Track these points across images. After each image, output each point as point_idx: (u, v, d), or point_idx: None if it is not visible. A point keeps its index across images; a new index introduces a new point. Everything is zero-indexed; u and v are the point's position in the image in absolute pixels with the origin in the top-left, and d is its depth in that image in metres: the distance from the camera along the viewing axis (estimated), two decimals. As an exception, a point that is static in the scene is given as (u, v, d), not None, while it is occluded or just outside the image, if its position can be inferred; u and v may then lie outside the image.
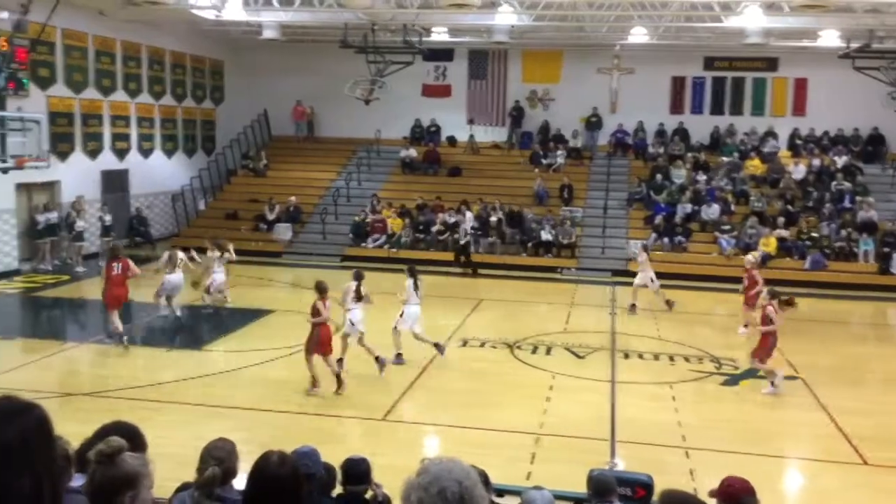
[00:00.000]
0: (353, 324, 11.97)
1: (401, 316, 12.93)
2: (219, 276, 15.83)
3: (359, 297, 12.03)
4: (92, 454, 3.04)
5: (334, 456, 5.06)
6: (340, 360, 11.73)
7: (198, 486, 3.84)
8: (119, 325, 13.32)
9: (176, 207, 25.55)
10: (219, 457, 3.93)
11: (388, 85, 23.85)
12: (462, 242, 22.06)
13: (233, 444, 4.07)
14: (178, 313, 15.32)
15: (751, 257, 16.34)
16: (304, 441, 4.83)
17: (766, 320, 11.93)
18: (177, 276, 14.88)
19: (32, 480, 1.95)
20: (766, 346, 11.98)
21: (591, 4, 19.97)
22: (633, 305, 17.24)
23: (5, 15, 17.49)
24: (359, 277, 12.27)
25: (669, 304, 17.29)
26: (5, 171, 16.07)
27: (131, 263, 13.66)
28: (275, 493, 3.41)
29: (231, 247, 16.24)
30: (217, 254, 15.88)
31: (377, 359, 11.98)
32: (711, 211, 23.25)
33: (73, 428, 3.82)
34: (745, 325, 15.06)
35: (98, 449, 3.00)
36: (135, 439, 3.75)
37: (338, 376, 11.25)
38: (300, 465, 3.90)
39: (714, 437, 9.98)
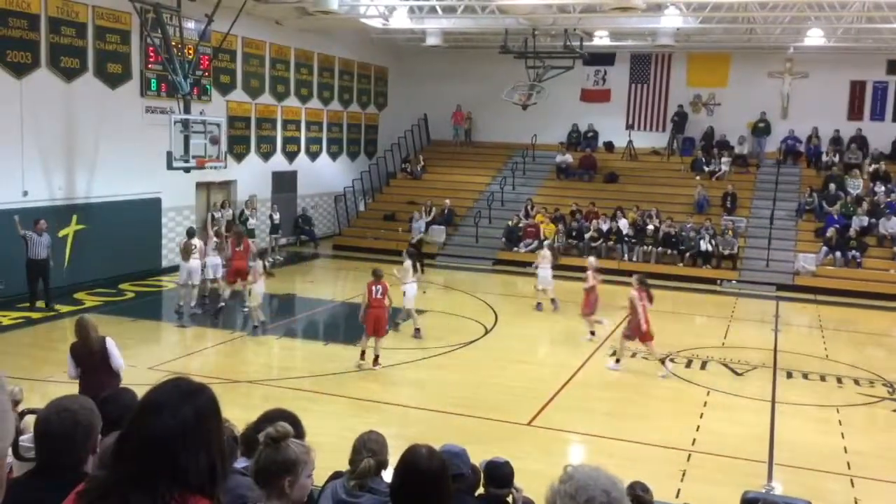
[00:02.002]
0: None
1: (404, 295, 14.34)
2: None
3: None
4: (260, 436, 3.23)
5: (475, 456, 5.13)
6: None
7: (353, 476, 4.00)
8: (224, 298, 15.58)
9: (338, 208, 26.67)
10: (373, 448, 4.06)
11: (546, 90, 23.81)
12: (415, 241, 22.49)
13: (384, 438, 4.21)
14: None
15: (592, 260, 16.01)
16: (449, 439, 4.92)
17: (632, 303, 12.84)
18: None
19: (207, 457, 2.10)
20: (632, 326, 12.85)
21: (764, 5, 19.05)
22: (553, 300, 17.04)
23: (192, 25, 18.91)
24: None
25: (539, 306, 17.21)
26: (188, 170, 17.31)
27: (250, 243, 16.24)
28: (422, 486, 3.43)
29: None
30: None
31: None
32: (891, 224, 21.59)
33: (236, 413, 4.10)
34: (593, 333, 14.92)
35: (266, 432, 3.19)
36: (295, 427, 3.99)
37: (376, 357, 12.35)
38: (450, 464, 3.97)
39: (883, 465, 9.29)
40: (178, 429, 2.05)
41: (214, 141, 17.54)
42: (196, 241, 15.83)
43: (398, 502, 3.51)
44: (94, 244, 17.36)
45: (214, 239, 17.03)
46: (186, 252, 15.46)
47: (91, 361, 7.67)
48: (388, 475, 3.88)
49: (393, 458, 3.93)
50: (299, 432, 3.91)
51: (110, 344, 7.78)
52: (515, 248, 23.19)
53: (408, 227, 24.56)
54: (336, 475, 4.23)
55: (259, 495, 3.16)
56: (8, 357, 12.23)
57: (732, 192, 23.93)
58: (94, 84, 17.61)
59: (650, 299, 12.95)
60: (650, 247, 22.23)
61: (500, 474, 5.07)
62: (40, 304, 15.41)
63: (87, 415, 2.90)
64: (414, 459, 3.49)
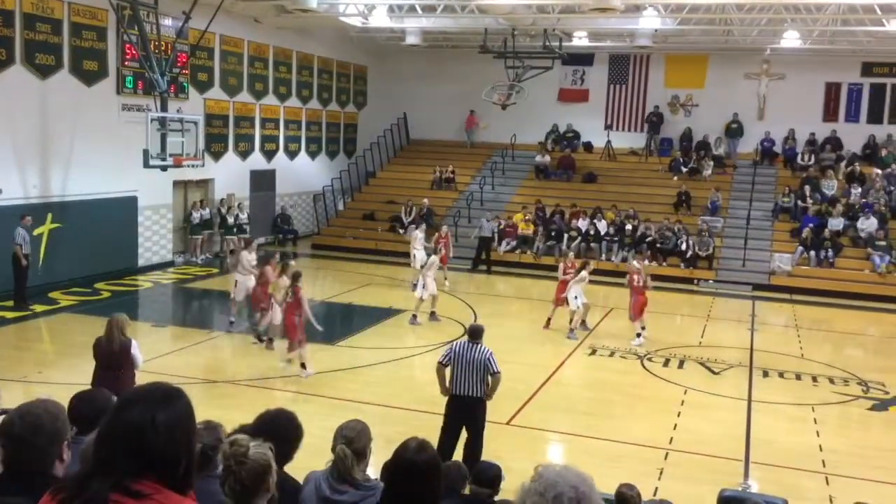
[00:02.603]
0: None
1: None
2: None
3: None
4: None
5: (455, 454, 5.14)
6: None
7: (331, 464, 3.96)
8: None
9: (317, 207, 26.57)
10: (348, 436, 3.96)
11: (526, 90, 23.86)
12: (484, 236, 22.27)
13: (364, 425, 4.10)
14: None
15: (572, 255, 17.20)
16: (430, 439, 4.90)
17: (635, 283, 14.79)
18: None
19: (178, 454, 2.10)
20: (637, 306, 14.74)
21: (741, 7, 19.21)
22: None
23: (169, 22, 18.75)
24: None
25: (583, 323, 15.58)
26: (164, 168, 17.13)
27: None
28: (411, 478, 3.37)
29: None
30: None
31: None
32: (869, 223, 21.79)
33: (214, 413, 4.07)
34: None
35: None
36: (293, 424, 3.98)
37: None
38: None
39: (858, 463, 9.42)
40: (150, 425, 2.05)
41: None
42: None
43: (388, 496, 3.48)
44: (70, 243, 17.16)
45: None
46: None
47: (110, 359, 8.13)
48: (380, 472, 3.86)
49: (378, 458, 3.91)
50: (298, 432, 3.90)
51: (134, 347, 8.23)
52: (497, 247, 23.16)
53: (388, 226, 24.65)
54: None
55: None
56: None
57: (719, 192, 24.19)
58: (69, 81, 17.41)
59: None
60: (630, 248, 22.29)
61: (486, 476, 5.11)
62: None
63: (51, 419, 2.83)
64: (403, 452, 3.44)
